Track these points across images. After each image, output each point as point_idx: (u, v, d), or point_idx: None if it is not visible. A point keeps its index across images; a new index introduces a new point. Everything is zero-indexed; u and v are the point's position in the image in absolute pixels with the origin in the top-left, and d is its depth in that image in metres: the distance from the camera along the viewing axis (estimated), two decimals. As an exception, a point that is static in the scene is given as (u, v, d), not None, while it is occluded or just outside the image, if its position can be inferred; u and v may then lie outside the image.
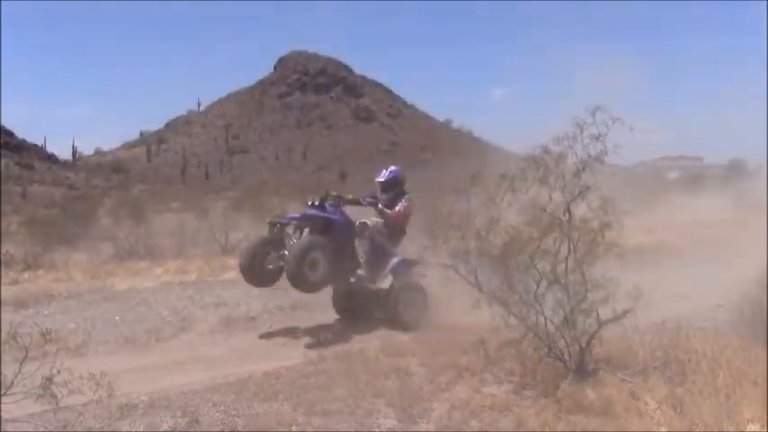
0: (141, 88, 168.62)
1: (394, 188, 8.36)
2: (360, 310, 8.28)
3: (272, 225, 7.78)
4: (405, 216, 8.21)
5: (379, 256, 8.01)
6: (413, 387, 5.42)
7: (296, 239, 7.44)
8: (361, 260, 7.89)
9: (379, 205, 8.20)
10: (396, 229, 8.19)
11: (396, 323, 7.73)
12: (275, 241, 7.63)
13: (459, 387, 5.44)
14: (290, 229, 7.66)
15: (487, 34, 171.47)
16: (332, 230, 7.59)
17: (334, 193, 8.00)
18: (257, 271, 7.59)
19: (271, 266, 7.55)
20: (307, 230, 7.46)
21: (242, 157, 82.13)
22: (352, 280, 7.90)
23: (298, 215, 7.77)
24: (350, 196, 8.30)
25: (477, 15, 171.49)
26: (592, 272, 5.36)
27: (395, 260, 8.10)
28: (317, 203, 7.75)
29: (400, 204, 8.19)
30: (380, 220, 8.15)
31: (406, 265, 8.20)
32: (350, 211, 8.25)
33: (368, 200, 8.38)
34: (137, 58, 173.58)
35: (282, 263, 7.38)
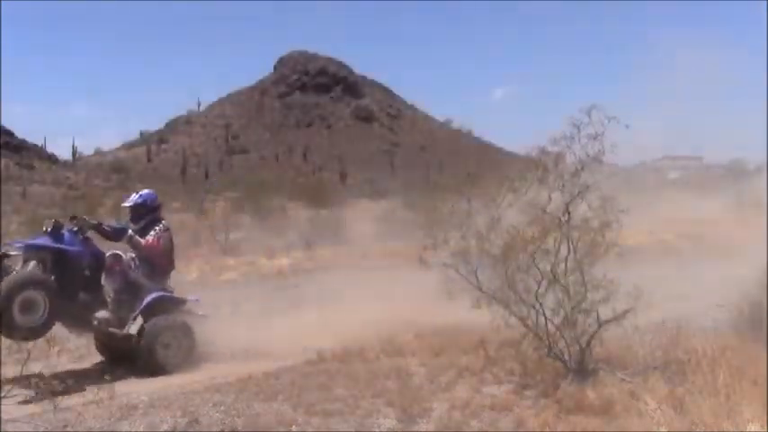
0: (141, 88, 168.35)
1: (145, 215, 7.11)
2: (120, 353, 6.91)
3: None
4: (160, 248, 6.96)
5: (132, 294, 6.72)
6: (413, 387, 5.42)
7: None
8: (109, 299, 6.65)
9: (129, 232, 6.92)
10: (156, 261, 6.97)
11: (151, 368, 6.51)
12: None
13: (459, 387, 5.44)
14: (12, 261, 6.30)
15: (488, 34, 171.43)
16: (66, 264, 6.31)
17: (85, 218, 6.77)
18: None
19: None
20: (33, 263, 6.16)
21: (242, 157, 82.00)
22: (95, 323, 6.49)
23: (21, 244, 6.52)
24: (98, 222, 7.11)
25: (477, 15, 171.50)
26: (592, 272, 5.37)
27: (149, 298, 6.71)
28: (50, 230, 6.36)
29: (153, 234, 6.98)
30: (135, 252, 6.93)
31: (167, 303, 6.90)
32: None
33: (113, 227, 7.15)
34: (137, 58, 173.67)
35: None
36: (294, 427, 4.68)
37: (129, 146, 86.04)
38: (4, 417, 4.54)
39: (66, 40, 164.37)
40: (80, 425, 4.74)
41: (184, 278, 11.89)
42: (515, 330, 5.66)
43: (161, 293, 6.85)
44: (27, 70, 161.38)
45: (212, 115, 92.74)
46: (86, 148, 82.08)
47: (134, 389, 5.49)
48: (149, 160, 78.30)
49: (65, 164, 65.38)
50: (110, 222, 7.29)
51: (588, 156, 5.26)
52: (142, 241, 6.90)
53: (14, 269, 6.20)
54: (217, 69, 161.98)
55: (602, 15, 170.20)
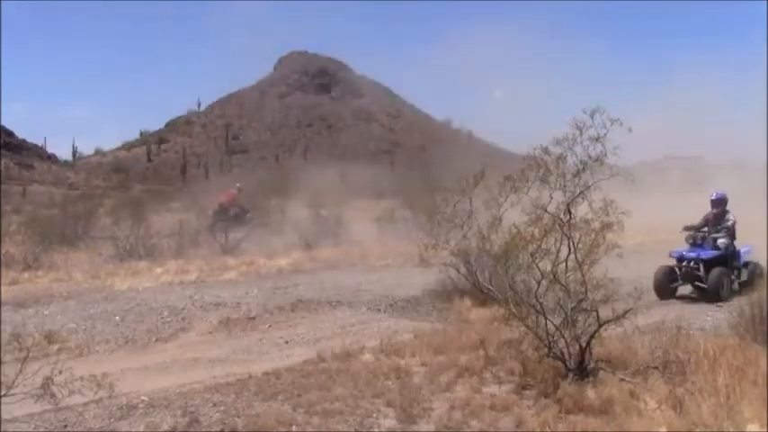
0: (141, 88, 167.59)
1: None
2: None
3: None
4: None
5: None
6: (413, 387, 5.41)
7: None
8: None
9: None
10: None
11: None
12: None
13: (459, 387, 5.44)
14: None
15: (488, 34, 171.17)
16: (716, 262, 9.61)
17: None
18: None
19: None
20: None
21: (242, 156, 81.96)
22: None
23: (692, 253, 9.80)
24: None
25: (477, 15, 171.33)
26: (592, 272, 5.37)
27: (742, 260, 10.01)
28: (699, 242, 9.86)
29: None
30: None
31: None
32: None
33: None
34: (137, 58, 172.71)
35: None
36: (294, 427, 4.68)
37: (129, 146, 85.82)
38: (4, 417, 4.54)
39: (66, 40, 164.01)
40: (80, 425, 4.74)
41: (183, 278, 11.90)
42: (515, 330, 5.65)
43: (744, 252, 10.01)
44: (27, 70, 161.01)
45: (212, 115, 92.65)
46: (86, 148, 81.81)
47: (134, 389, 5.49)
48: (149, 160, 78.19)
49: (65, 164, 65.30)
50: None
51: (590, 157, 5.26)
52: (728, 224, 9.77)
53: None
54: (217, 69, 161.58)
55: (603, 15, 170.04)
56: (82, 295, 10.36)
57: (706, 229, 9.84)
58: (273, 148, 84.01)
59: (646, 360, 5.50)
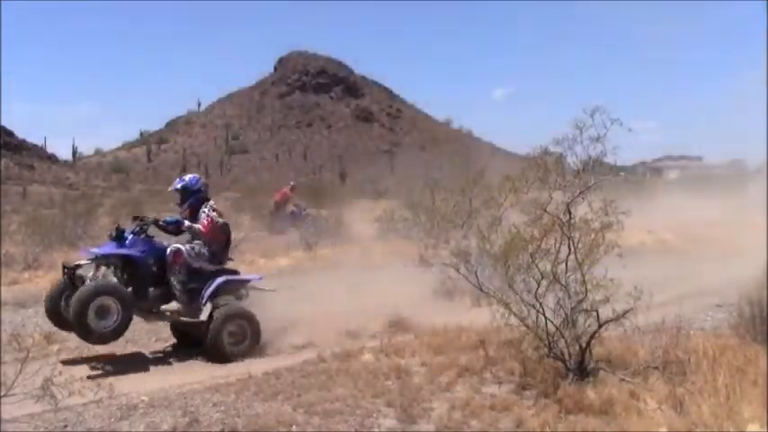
0: (141, 88, 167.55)
1: (189, 197, 7.31)
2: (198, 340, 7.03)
3: None
4: (216, 228, 7.19)
5: (198, 282, 7.02)
6: (413, 387, 5.42)
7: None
8: (177, 291, 6.91)
9: (186, 223, 7.20)
10: (216, 239, 7.21)
11: (218, 355, 6.72)
12: None
13: (459, 387, 5.44)
14: (85, 269, 6.61)
15: (488, 33, 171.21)
16: (133, 265, 6.67)
17: (146, 218, 7.11)
18: None
19: None
20: (104, 269, 6.58)
21: (242, 157, 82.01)
22: (167, 314, 7.06)
23: (90, 252, 6.81)
24: (156, 219, 7.25)
25: (477, 15, 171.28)
26: (592, 272, 5.37)
27: (214, 284, 6.98)
28: (114, 235, 6.78)
29: (204, 215, 7.19)
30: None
31: (232, 284, 7.14)
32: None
33: (168, 221, 7.33)
34: (137, 58, 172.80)
35: None
36: (294, 427, 4.68)
37: (129, 146, 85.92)
38: (4, 417, 4.55)
39: (66, 40, 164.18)
40: (80, 425, 4.74)
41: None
42: (515, 330, 5.65)
43: (225, 278, 7.06)
44: (27, 70, 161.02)
45: (212, 115, 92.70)
46: (86, 148, 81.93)
47: (134, 389, 5.49)
48: (149, 160, 78.27)
49: (65, 164, 65.28)
50: (165, 217, 7.49)
51: (590, 157, 5.27)
52: (198, 226, 7.09)
53: (88, 277, 6.48)
54: (217, 69, 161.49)
55: (603, 14, 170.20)
56: (82, 295, 10.33)
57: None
58: (273, 148, 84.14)
59: (646, 360, 5.50)
